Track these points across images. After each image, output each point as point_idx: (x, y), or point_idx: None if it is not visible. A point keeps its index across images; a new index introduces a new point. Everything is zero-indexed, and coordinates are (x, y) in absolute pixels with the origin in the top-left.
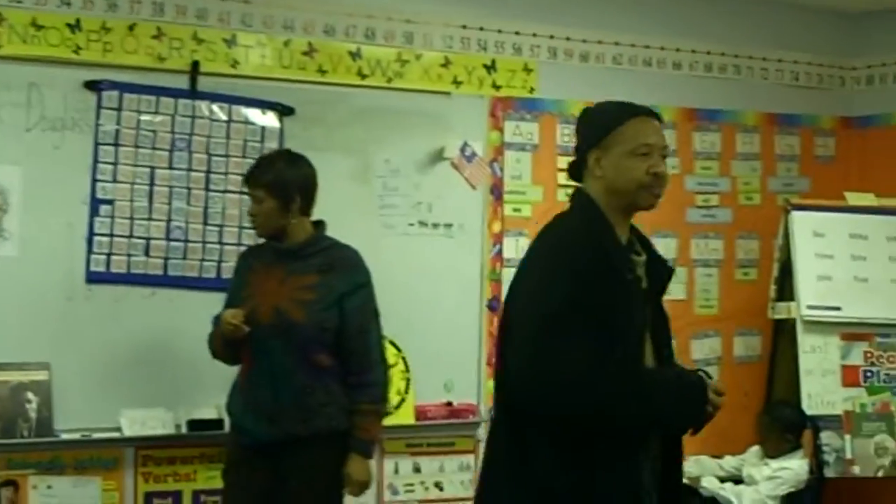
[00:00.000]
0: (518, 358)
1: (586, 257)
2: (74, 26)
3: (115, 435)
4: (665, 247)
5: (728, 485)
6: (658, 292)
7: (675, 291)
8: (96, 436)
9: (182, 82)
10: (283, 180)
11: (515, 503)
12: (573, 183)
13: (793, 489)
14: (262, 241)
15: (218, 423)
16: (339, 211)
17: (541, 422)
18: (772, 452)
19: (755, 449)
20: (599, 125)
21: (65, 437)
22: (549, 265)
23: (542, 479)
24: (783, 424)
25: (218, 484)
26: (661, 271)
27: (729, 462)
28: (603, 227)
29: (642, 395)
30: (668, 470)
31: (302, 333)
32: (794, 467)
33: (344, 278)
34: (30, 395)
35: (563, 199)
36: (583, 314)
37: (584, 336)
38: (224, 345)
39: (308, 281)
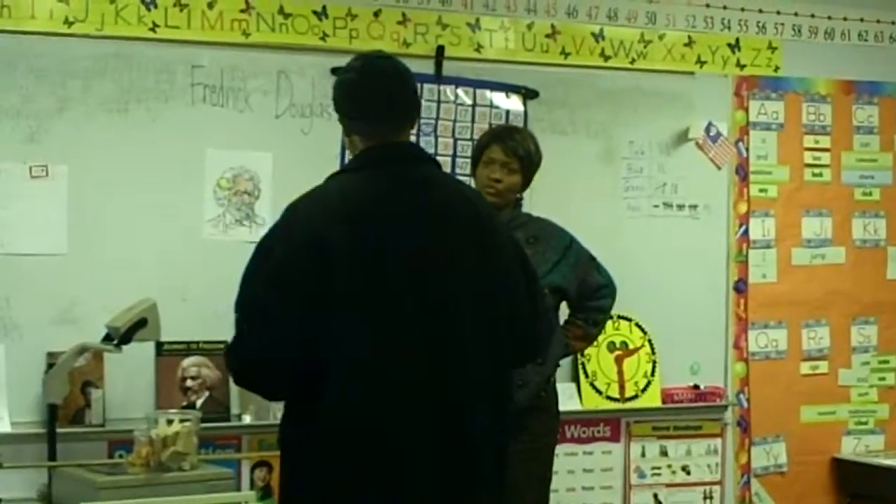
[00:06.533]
0: None
1: None
2: (321, 13)
3: None
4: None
5: None
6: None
7: None
8: None
9: (427, 67)
10: (537, 161)
11: None
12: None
13: None
14: None
15: None
16: (584, 193)
17: None
18: None
19: None
20: None
21: None
22: None
23: None
24: None
25: None
26: None
27: None
28: None
29: None
30: None
31: None
32: None
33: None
34: None
35: (810, 178)
36: None
37: None
38: None
39: None
